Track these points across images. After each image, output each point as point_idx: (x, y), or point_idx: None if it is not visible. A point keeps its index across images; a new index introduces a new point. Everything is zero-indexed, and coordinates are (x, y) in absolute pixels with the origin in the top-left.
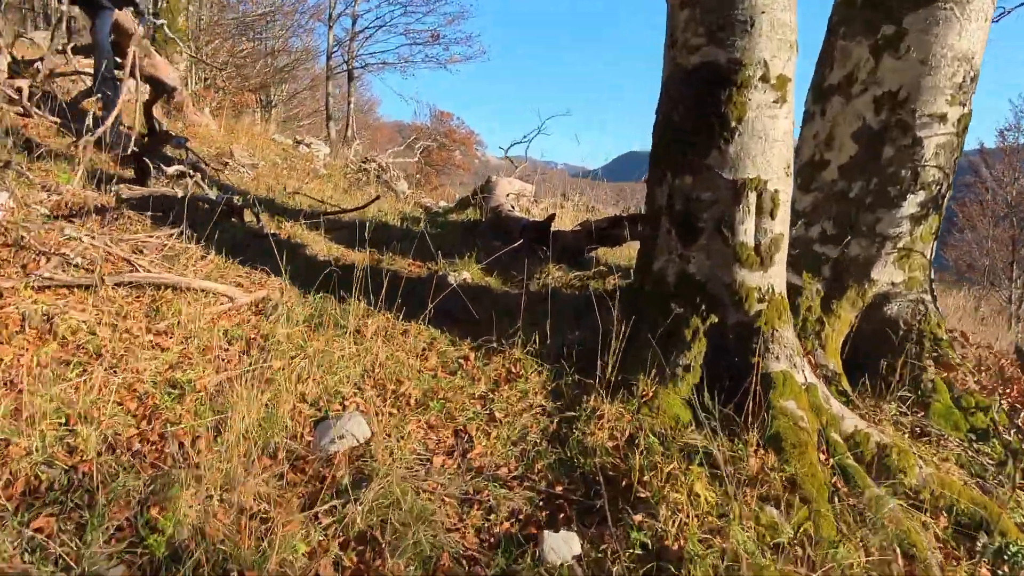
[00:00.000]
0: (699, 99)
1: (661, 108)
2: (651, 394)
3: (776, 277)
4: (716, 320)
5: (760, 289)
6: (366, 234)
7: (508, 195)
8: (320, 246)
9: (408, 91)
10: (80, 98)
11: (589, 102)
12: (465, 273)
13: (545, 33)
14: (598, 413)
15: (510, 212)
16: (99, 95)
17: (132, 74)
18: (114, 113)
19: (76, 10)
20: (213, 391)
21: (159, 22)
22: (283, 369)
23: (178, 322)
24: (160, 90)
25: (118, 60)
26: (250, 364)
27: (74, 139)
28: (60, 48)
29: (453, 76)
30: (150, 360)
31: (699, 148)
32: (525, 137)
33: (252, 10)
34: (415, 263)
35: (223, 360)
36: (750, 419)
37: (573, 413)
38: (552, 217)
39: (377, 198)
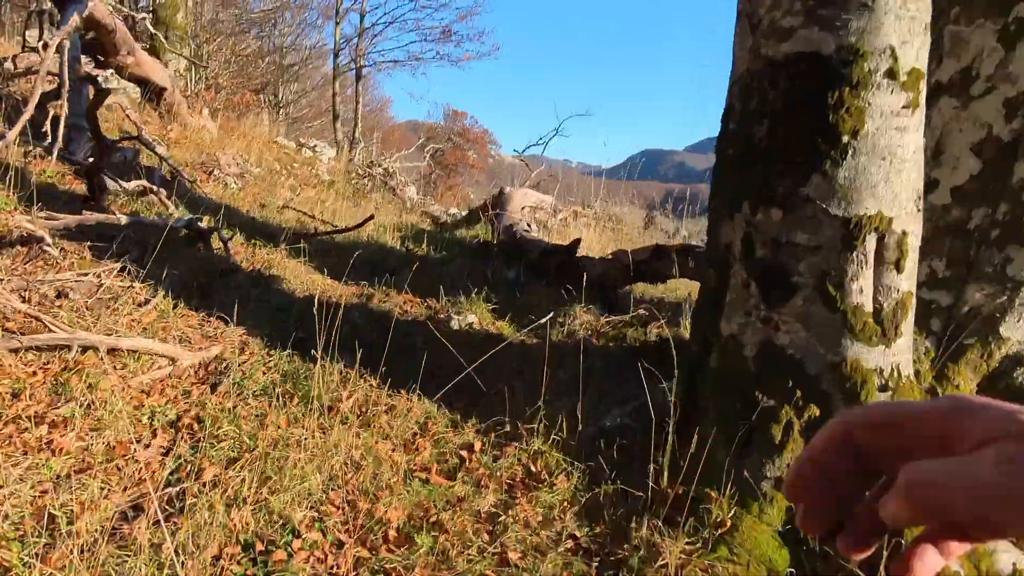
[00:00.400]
0: (793, 103)
1: (733, 115)
2: (729, 523)
3: (903, 354)
4: (818, 413)
5: (882, 371)
6: (357, 260)
7: (523, 208)
8: (301, 279)
9: (419, 90)
10: (45, 100)
11: (602, 96)
12: (472, 316)
13: (555, 28)
14: (657, 556)
15: (526, 233)
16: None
17: (60, 71)
18: (26, 115)
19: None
20: (102, 529)
21: (140, 16)
22: (215, 483)
23: (88, 403)
24: (147, 90)
25: (100, 58)
26: (174, 470)
27: (28, 149)
28: (32, 46)
29: (467, 75)
30: (30, 471)
31: (792, 172)
32: (541, 139)
33: (258, 6)
34: (413, 299)
35: (138, 464)
36: (882, 564)
37: (619, 551)
38: (577, 242)
39: (371, 218)
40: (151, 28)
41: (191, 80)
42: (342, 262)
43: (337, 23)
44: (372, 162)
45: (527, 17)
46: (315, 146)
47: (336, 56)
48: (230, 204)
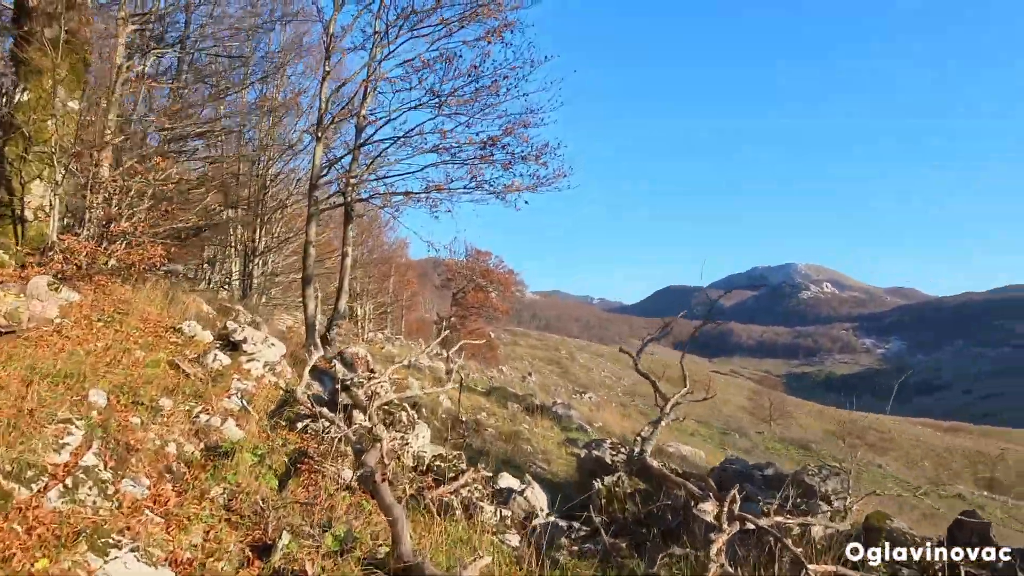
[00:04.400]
0: None
1: None
2: None
3: None
4: None
5: None
6: None
7: None
8: None
9: (442, 233)
10: None
11: (619, 232)
12: None
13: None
14: None
15: None
16: None
17: None
18: None
19: None
20: None
21: None
22: None
23: None
24: None
25: None
26: None
27: None
28: None
29: (509, 209)
30: None
31: None
32: (695, 336)
33: (206, 113)
34: None
35: None
36: None
37: None
38: None
39: None
40: None
41: (54, 223)
42: None
43: (318, 137)
44: (347, 382)
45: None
46: (244, 340)
47: (313, 188)
48: None
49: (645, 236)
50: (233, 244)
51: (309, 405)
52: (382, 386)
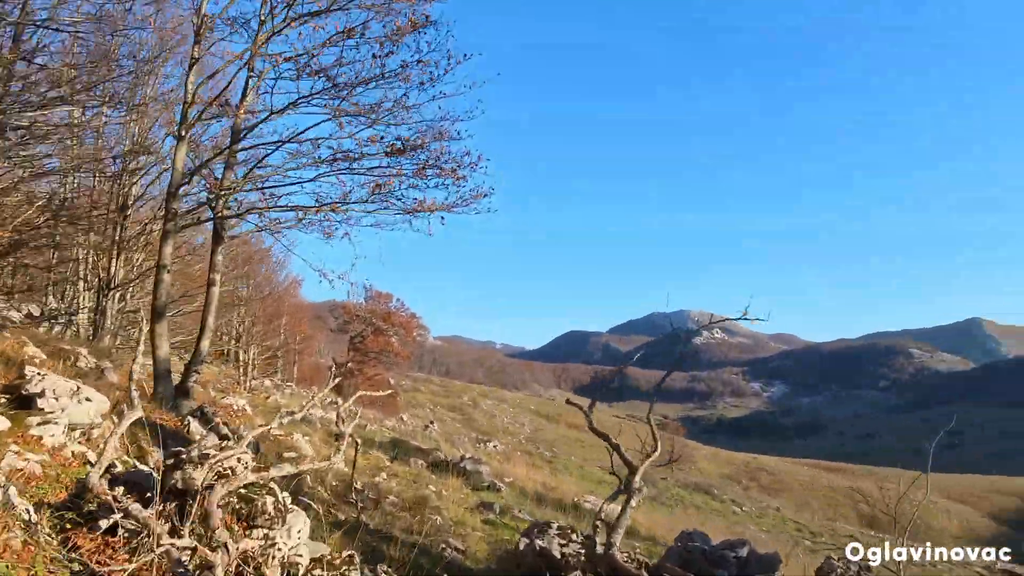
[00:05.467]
0: None
1: None
2: None
3: None
4: None
5: None
6: None
7: None
8: None
9: (339, 260)
10: None
11: (522, 276)
12: None
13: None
14: None
15: None
16: None
17: None
18: None
19: None
20: None
21: None
22: None
23: None
24: None
25: None
26: None
27: None
28: None
29: (418, 234)
30: None
31: None
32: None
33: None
34: None
35: None
36: None
37: None
38: None
39: None
40: None
41: None
42: None
43: (180, 136)
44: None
45: None
46: (39, 394)
47: (172, 198)
48: None
49: (547, 282)
50: (83, 274)
51: (110, 498)
52: (238, 460)
